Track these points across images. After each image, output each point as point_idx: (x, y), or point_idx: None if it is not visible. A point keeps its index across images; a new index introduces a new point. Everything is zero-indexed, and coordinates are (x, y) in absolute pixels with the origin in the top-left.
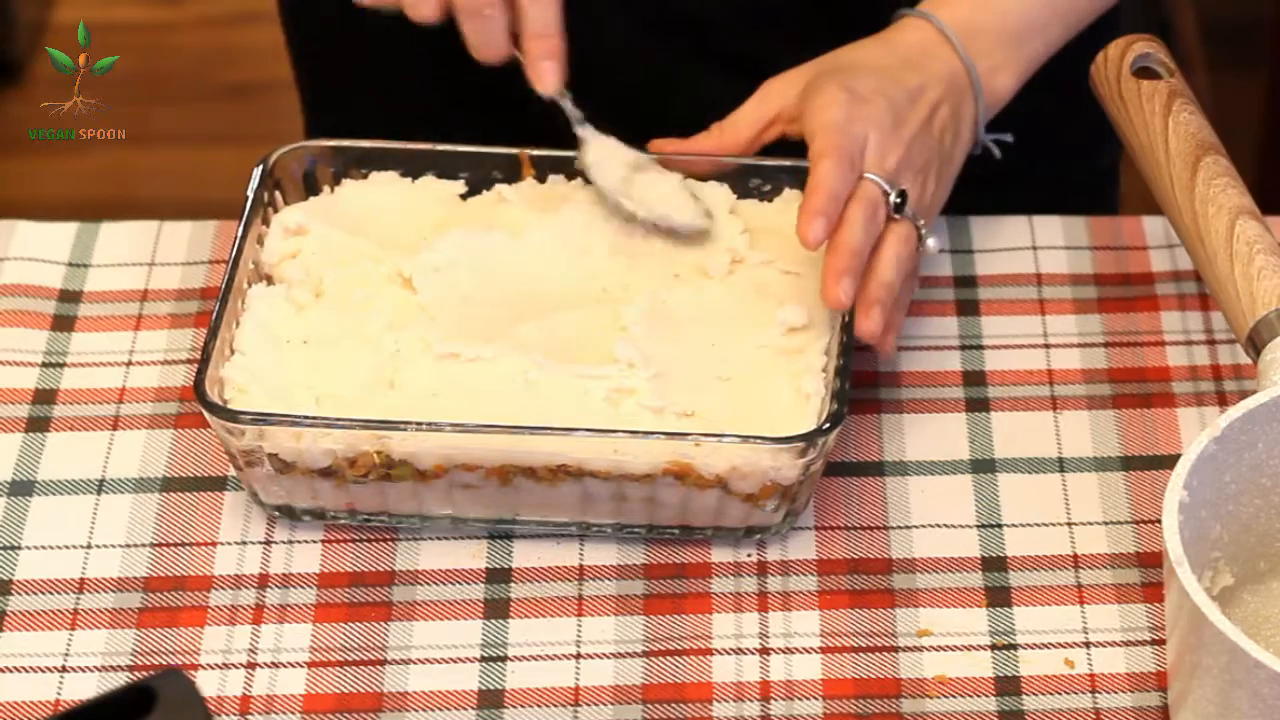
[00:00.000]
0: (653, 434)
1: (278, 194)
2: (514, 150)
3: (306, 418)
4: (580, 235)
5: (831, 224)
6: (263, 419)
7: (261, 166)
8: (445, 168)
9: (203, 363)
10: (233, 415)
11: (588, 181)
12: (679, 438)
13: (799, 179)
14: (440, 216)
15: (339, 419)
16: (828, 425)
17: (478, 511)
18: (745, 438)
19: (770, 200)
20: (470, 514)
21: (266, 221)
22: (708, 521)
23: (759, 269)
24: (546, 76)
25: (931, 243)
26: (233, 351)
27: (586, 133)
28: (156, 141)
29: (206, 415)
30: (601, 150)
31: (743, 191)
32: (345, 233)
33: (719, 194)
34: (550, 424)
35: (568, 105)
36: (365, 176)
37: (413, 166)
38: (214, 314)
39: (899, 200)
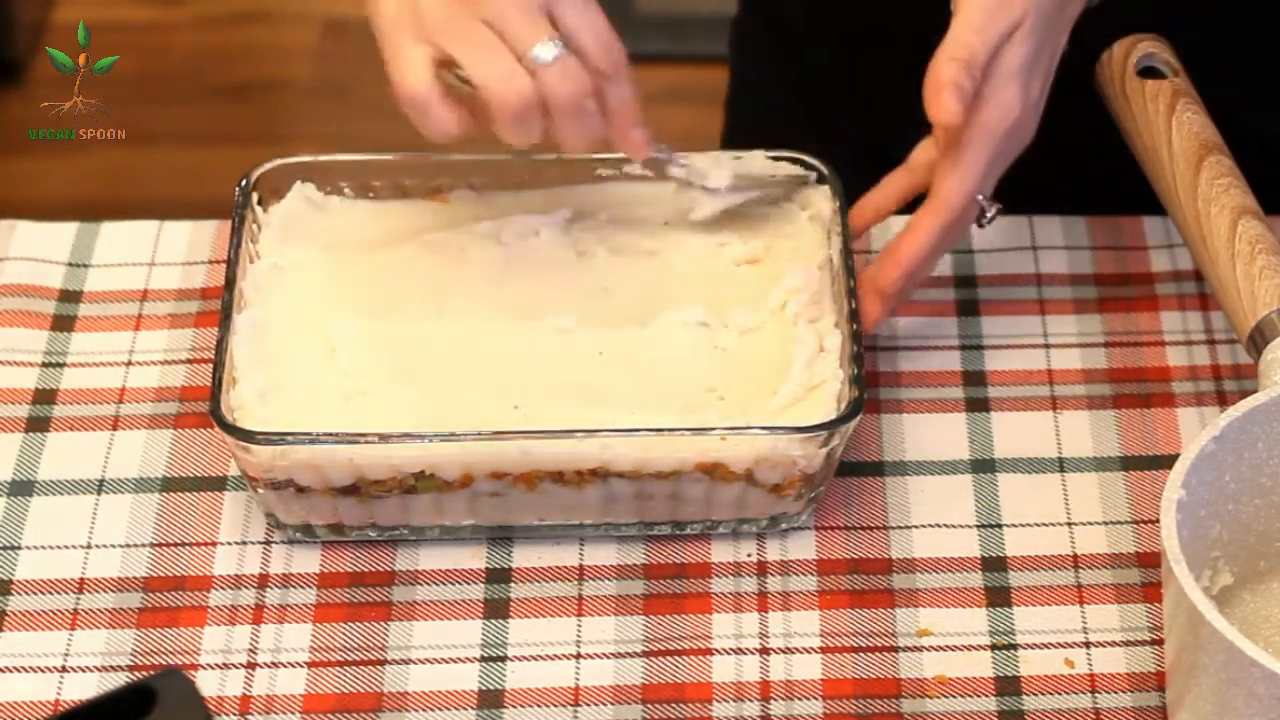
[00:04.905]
0: (678, 430)
1: (259, 210)
2: (495, 156)
3: (332, 435)
4: (575, 237)
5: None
6: (280, 439)
7: (244, 182)
8: (426, 176)
9: (215, 387)
10: (250, 436)
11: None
12: (704, 432)
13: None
14: (425, 224)
15: (390, 434)
16: (850, 411)
17: (500, 518)
18: (771, 429)
19: None
20: (492, 521)
21: (254, 240)
22: (730, 515)
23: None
24: (640, 144)
25: (985, 220)
26: (240, 378)
27: (682, 158)
28: (156, 141)
29: (230, 441)
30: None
31: None
32: (334, 250)
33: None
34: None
35: (664, 153)
36: (347, 191)
37: (393, 177)
38: (218, 339)
39: (992, 215)
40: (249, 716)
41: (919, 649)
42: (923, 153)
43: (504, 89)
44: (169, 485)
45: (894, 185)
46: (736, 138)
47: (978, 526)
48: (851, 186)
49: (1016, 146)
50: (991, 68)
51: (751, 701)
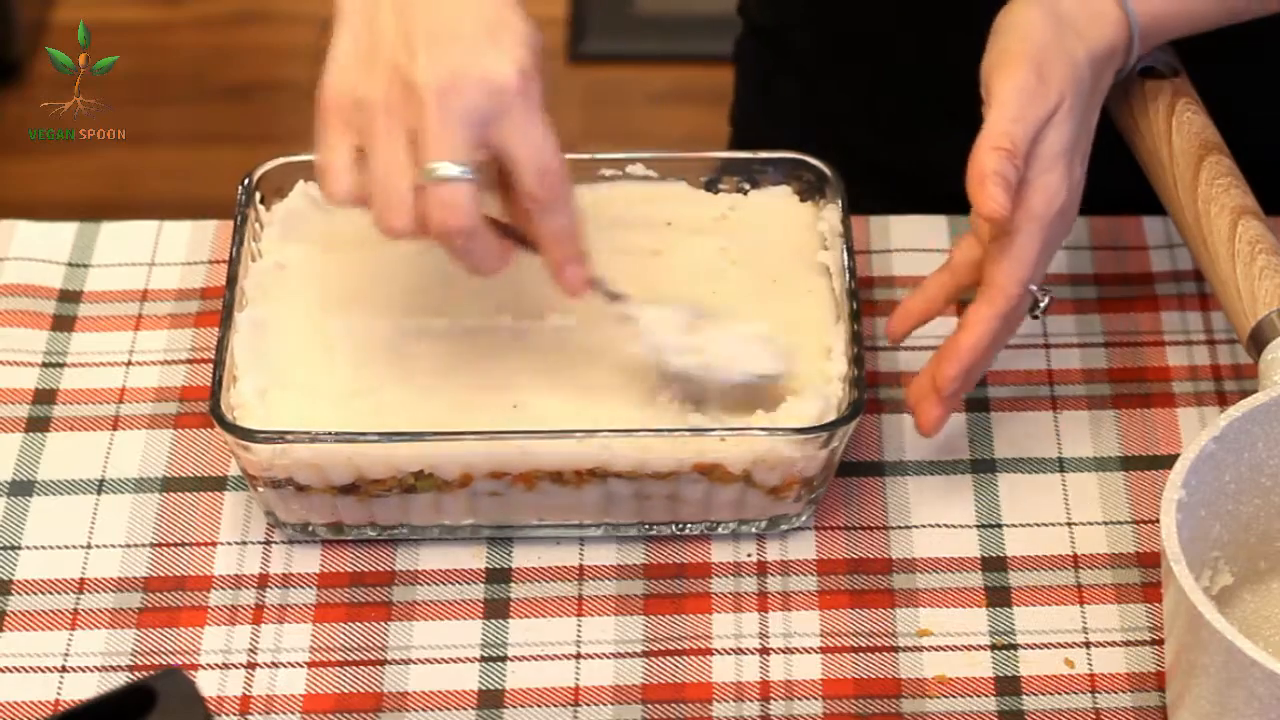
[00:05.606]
0: (678, 431)
1: (262, 209)
2: None
3: (332, 434)
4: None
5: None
6: (280, 437)
7: (247, 181)
8: None
9: (216, 385)
10: (250, 434)
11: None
12: (703, 433)
13: (782, 172)
14: None
15: (389, 433)
16: (850, 412)
17: (499, 518)
18: (771, 430)
19: (745, 194)
20: (492, 520)
21: (257, 238)
22: (730, 516)
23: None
24: (575, 283)
25: (1039, 310)
26: (240, 377)
27: (632, 308)
28: (156, 141)
29: (230, 439)
30: (653, 319)
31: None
32: (335, 249)
33: (697, 197)
34: (571, 426)
35: (604, 291)
36: None
37: None
38: (219, 337)
39: (1046, 304)
40: (249, 716)
41: (919, 649)
42: (963, 252)
43: (383, 213)
44: (169, 485)
45: (936, 286)
46: (739, 149)
47: (978, 526)
48: (856, 200)
49: (1064, 230)
50: (1033, 153)
51: (751, 701)
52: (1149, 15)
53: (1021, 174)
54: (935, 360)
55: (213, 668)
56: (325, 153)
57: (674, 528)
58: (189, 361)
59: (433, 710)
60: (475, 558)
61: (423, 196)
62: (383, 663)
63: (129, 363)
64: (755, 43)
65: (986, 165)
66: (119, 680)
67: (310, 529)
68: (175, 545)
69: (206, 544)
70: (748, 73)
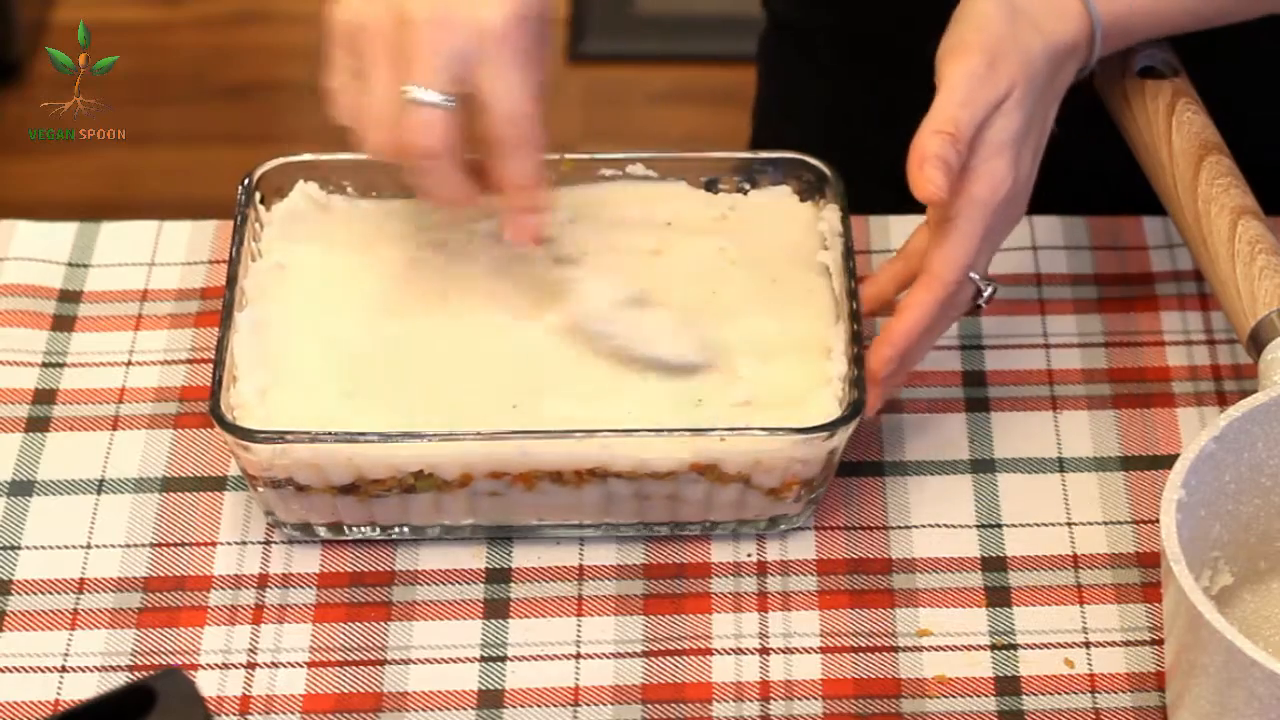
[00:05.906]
0: (677, 430)
1: (262, 209)
2: None
3: (331, 434)
4: (576, 237)
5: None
6: (280, 437)
7: (247, 181)
8: None
9: (215, 385)
10: (250, 434)
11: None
12: (703, 433)
13: (782, 172)
14: (427, 223)
15: (389, 433)
16: (850, 412)
17: (499, 518)
18: (771, 429)
19: (745, 194)
20: (492, 520)
21: (257, 238)
22: (730, 516)
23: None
24: (526, 233)
25: (983, 301)
26: (240, 377)
27: (574, 273)
28: (156, 141)
29: (230, 439)
30: (589, 289)
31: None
32: (335, 248)
33: (697, 197)
34: (570, 423)
35: (555, 253)
36: (350, 190)
37: (396, 176)
38: (219, 337)
39: (989, 295)
40: (249, 716)
41: (919, 649)
42: (917, 240)
43: (366, 130)
44: (169, 485)
45: (889, 273)
46: (759, 146)
47: (978, 526)
48: (875, 201)
49: (1009, 222)
50: (979, 140)
51: (751, 701)
52: (1112, 14)
53: (964, 160)
54: (872, 344)
55: (213, 668)
56: (329, 78)
57: (674, 528)
58: (189, 361)
59: (433, 710)
60: (475, 558)
61: (400, 118)
62: (383, 663)
63: (129, 363)
64: (778, 40)
65: (927, 148)
66: (119, 680)
67: (310, 529)
68: (175, 545)
69: (206, 544)
70: (770, 70)
